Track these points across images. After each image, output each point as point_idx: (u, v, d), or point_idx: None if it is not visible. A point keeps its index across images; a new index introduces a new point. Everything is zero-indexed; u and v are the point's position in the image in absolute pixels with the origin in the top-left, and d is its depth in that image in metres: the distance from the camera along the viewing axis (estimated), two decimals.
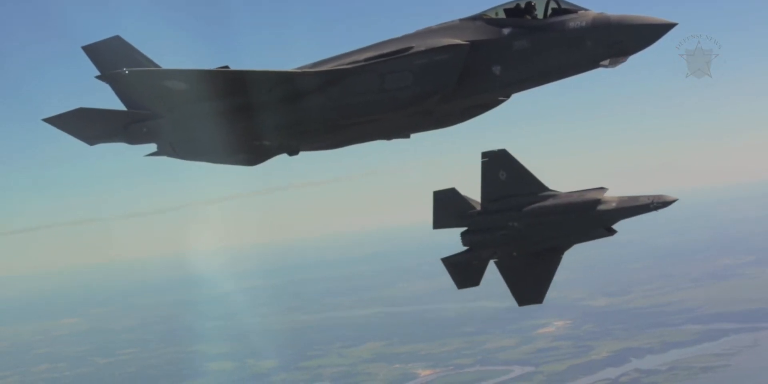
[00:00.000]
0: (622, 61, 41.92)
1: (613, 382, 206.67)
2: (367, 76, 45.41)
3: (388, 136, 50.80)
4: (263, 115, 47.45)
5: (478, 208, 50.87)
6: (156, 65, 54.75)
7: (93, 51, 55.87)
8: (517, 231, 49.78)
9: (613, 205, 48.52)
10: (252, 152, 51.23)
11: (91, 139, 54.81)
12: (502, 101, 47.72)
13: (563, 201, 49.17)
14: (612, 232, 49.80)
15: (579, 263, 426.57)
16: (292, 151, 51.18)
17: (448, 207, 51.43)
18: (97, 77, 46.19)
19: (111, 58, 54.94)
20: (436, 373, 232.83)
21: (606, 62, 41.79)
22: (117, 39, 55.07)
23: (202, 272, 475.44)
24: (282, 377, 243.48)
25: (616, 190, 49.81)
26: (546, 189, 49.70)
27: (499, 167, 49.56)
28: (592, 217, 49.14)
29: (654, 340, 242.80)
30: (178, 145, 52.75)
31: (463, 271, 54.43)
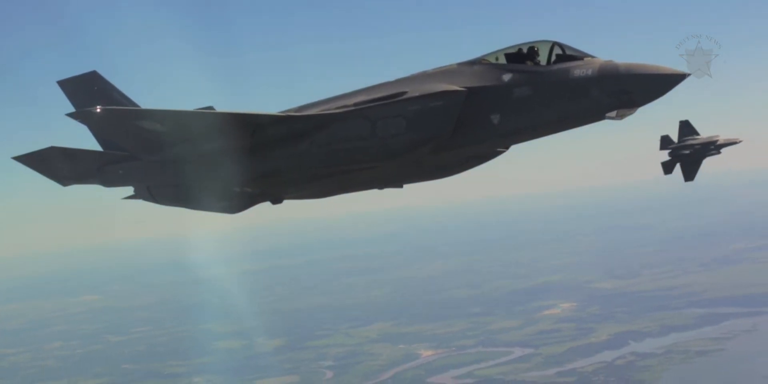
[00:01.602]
0: (631, 113, 39.44)
1: (608, 365, 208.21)
2: (357, 122, 42.86)
3: (379, 185, 48.83)
4: (245, 161, 44.80)
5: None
6: (133, 103, 53.00)
7: (68, 85, 54.02)
8: None
9: None
10: (233, 200, 49.05)
11: (64, 179, 52.58)
12: (501, 153, 45.72)
13: None
14: None
15: (592, 247, 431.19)
16: (276, 200, 49.39)
17: None
18: (68, 115, 42.62)
19: (87, 94, 53.13)
20: (438, 354, 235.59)
21: (613, 114, 39.21)
22: (93, 74, 53.37)
23: (223, 251, 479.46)
24: (287, 356, 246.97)
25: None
26: None
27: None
28: None
29: (654, 323, 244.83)
30: (156, 190, 50.86)
31: None
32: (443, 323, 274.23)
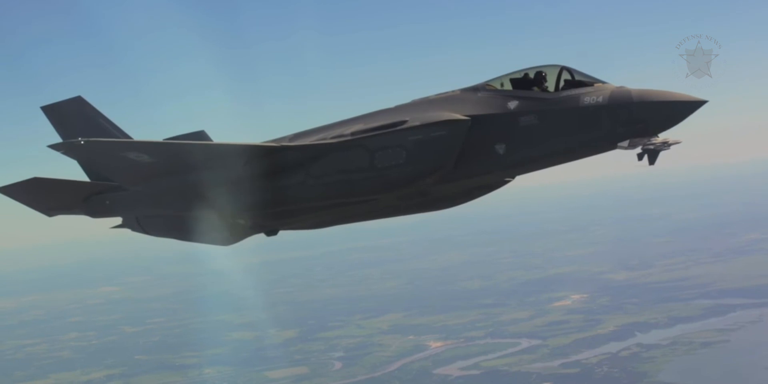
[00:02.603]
0: (644, 143, 38.20)
1: (613, 356, 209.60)
2: (354, 152, 40.94)
3: (377, 217, 47.02)
4: (237, 193, 43.09)
5: None
6: (120, 131, 51.75)
7: (52, 112, 52.43)
8: None
9: None
10: (226, 232, 47.30)
11: (49, 210, 51.14)
12: (507, 182, 43.84)
13: None
14: None
15: (607, 237, 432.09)
16: (270, 231, 47.94)
17: None
18: (51, 147, 40.40)
19: (71, 120, 51.59)
20: (446, 345, 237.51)
21: (625, 143, 37.44)
22: (78, 100, 51.83)
23: (243, 242, 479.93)
24: (298, 347, 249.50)
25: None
26: None
27: None
28: None
29: (662, 314, 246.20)
30: (145, 221, 49.62)
31: None
32: (454, 314, 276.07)
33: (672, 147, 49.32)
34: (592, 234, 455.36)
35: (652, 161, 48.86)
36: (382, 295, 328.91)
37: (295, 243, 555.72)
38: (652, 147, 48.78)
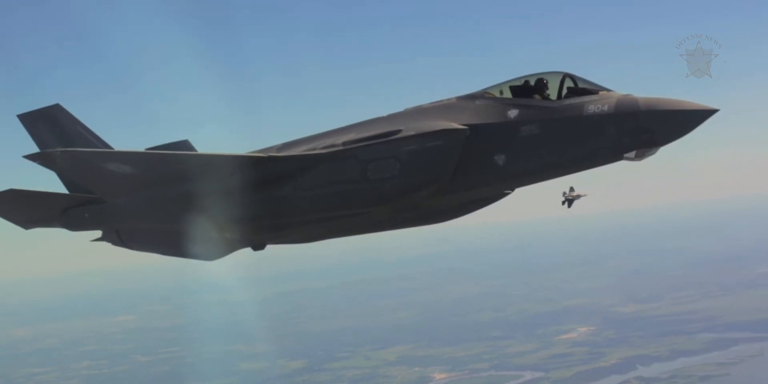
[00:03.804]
0: (651, 154, 36.24)
1: None
2: (345, 164, 39.18)
3: (369, 231, 45.23)
4: (222, 205, 41.00)
5: None
6: (99, 140, 50.00)
7: (29, 120, 50.90)
8: None
9: None
10: (210, 246, 45.38)
11: (26, 223, 49.53)
12: (505, 195, 42.06)
13: None
14: None
15: (621, 270, 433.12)
16: (257, 246, 46.17)
17: None
18: (26, 157, 39.17)
19: (49, 128, 49.94)
20: (450, 377, 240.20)
21: (631, 154, 35.77)
22: (57, 108, 50.24)
23: (258, 273, 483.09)
24: (305, 378, 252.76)
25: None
26: None
27: None
28: None
29: (665, 348, 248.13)
30: (125, 234, 47.54)
31: None
32: (462, 346, 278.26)
33: (582, 198, 52.74)
34: (606, 267, 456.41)
35: (569, 206, 52.33)
36: (393, 325, 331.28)
37: (315, 273, 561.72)
38: (571, 198, 52.13)
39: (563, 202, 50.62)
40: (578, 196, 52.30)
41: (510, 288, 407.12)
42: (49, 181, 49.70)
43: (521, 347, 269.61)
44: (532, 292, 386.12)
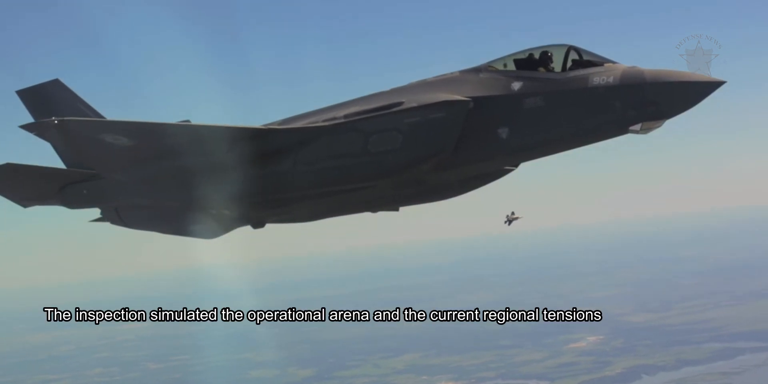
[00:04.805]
0: (657, 127, 35.52)
1: None
2: (346, 136, 38.64)
3: (372, 208, 44.56)
4: (221, 180, 40.42)
5: None
6: (99, 116, 48.45)
7: (28, 96, 50.36)
8: None
9: None
10: (209, 223, 45.16)
11: (24, 200, 48.95)
12: (509, 171, 41.63)
13: None
14: None
15: (634, 279, 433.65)
16: (257, 223, 45.24)
17: None
18: (22, 127, 38.55)
19: (48, 104, 49.02)
20: None
21: (637, 127, 35.15)
22: (56, 83, 49.49)
23: (273, 280, 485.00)
24: None
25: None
26: None
27: None
28: None
29: (671, 357, 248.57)
30: (124, 212, 47.37)
31: None
32: (471, 355, 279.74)
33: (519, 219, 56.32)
34: (620, 275, 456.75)
35: (509, 225, 55.59)
36: (405, 334, 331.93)
37: (329, 282, 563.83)
38: (511, 219, 55.90)
39: (505, 222, 54.57)
40: (516, 218, 56.06)
41: (523, 296, 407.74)
42: (46, 163, 48.61)
43: (529, 356, 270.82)
44: (545, 301, 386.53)
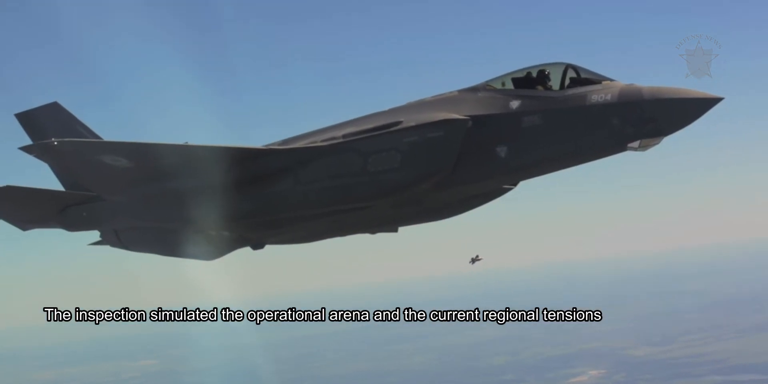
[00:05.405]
0: (655, 144, 35.70)
1: None
2: (345, 156, 38.80)
3: (372, 229, 44.93)
4: (221, 201, 40.44)
5: None
6: (97, 137, 48.75)
7: (27, 118, 50.19)
8: None
9: None
10: (209, 244, 45.14)
11: (23, 223, 48.98)
12: (508, 190, 41.81)
13: None
14: None
15: (639, 312, 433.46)
16: (257, 244, 45.29)
17: None
18: (22, 149, 38.63)
19: (47, 127, 48.92)
20: None
21: (635, 144, 35.43)
22: (54, 106, 49.55)
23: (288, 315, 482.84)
24: None
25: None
26: None
27: None
28: None
29: None
30: (124, 234, 46.98)
31: None
32: None
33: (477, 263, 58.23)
34: (624, 309, 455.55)
35: (473, 263, 57.28)
36: (408, 370, 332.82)
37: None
38: (476, 260, 57.92)
39: (470, 262, 56.20)
40: (480, 259, 58.36)
41: (528, 331, 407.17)
42: (47, 184, 48.91)
43: None
44: (549, 336, 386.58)
